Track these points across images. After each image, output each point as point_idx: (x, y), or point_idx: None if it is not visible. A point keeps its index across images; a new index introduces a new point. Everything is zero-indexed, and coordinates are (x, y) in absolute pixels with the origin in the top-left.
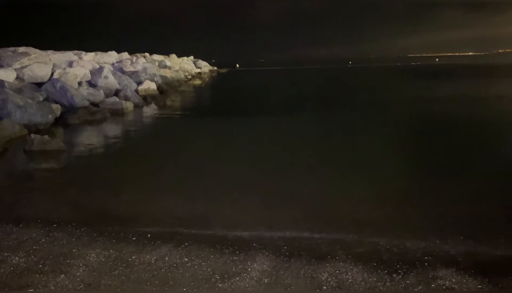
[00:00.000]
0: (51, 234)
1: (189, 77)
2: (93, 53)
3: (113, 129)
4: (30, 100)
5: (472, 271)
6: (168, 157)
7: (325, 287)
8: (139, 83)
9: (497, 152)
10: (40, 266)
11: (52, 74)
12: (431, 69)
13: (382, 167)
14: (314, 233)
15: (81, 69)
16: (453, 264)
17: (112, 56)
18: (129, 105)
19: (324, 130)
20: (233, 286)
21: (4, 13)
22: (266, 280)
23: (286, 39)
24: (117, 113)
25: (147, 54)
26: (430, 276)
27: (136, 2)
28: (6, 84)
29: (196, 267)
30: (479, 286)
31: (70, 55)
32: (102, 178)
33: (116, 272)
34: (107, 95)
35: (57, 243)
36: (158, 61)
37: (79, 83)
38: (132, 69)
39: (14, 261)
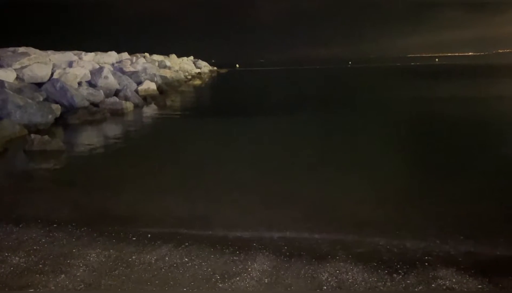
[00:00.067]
0: (51, 234)
1: (189, 77)
2: (93, 54)
3: (113, 130)
4: (30, 101)
5: (472, 271)
6: (168, 157)
7: (325, 287)
8: (139, 83)
9: (497, 152)
10: (40, 266)
11: (52, 74)
12: (431, 69)
13: (382, 167)
14: (314, 233)
15: (81, 70)
16: (453, 264)
17: (112, 56)
18: (129, 106)
19: (324, 130)
20: (233, 286)
21: (4, 13)
22: (266, 280)
23: (286, 39)
24: (117, 114)
25: (147, 54)
26: (431, 276)
27: (136, 2)
28: (6, 85)
29: (196, 267)
30: (479, 286)
31: (70, 55)
32: (102, 178)
33: (116, 272)
34: (107, 96)
35: (57, 243)
36: (158, 61)
37: (79, 84)
38: (132, 69)
39: (14, 261)
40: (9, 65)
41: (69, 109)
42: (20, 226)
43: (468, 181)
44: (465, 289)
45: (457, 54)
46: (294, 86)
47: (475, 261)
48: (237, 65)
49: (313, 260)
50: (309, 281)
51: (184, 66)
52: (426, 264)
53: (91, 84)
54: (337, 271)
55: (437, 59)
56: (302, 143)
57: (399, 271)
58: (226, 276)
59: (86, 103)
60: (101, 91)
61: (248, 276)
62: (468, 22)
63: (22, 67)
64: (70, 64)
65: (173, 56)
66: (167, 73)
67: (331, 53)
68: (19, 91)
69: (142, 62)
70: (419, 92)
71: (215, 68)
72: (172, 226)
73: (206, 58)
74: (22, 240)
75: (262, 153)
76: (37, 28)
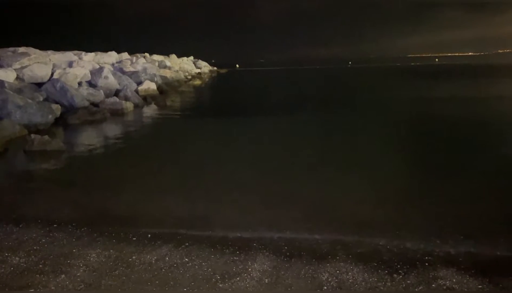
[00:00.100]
0: (51, 234)
1: (189, 77)
2: (93, 54)
3: (113, 130)
4: (30, 101)
5: (473, 271)
6: (168, 157)
7: (325, 287)
8: (139, 83)
9: (497, 152)
10: (40, 266)
11: (52, 74)
12: (431, 69)
13: (382, 167)
14: (315, 233)
15: (81, 70)
16: (454, 264)
17: (112, 56)
18: (129, 106)
19: (324, 130)
20: (233, 286)
21: (4, 13)
22: (266, 280)
23: (286, 39)
24: (117, 114)
25: (147, 54)
26: (431, 276)
27: (136, 2)
28: (6, 85)
29: (196, 267)
30: (480, 286)
31: (70, 55)
32: (102, 178)
33: (116, 272)
34: (107, 96)
35: (57, 243)
36: (158, 61)
37: (79, 84)
38: (132, 69)
39: (14, 261)
40: (9, 65)
41: (69, 109)
42: (20, 226)
43: (468, 181)
44: (466, 289)
45: (457, 54)
46: (294, 86)
47: (475, 261)
48: (237, 65)
49: (313, 260)
50: (309, 281)
51: (184, 66)
52: (427, 264)
53: (91, 84)
54: (338, 271)
55: (437, 59)
56: (302, 144)
57: (400, 271)
58: (226, 276)
59: (86, 103)
60: (101, 91)
61: (249, 276)
62: (468, 22)
63: (22, 67)
64: (70, 64)
65: (173, 56)
66: (167, 73)
67: (331, 53)
68: (19, 91)
69: (142, 62)
70: (419, 92)
71: (215, 68)
72: (172, 226)
73: (206, 58)
74: (22, 240)
75: (262, 153)
76: (37, 28)
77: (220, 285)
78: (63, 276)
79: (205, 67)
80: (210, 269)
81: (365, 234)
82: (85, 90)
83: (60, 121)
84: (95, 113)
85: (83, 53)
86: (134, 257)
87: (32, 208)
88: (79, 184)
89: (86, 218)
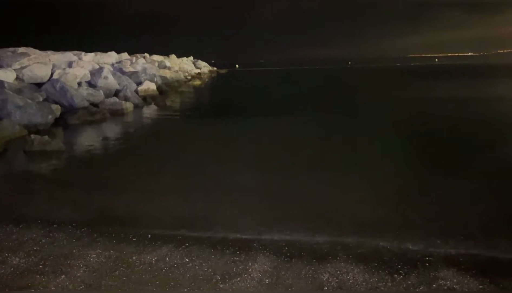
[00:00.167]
0: (51, 235)
1: (189, 77)
2: (92, 54)
3: (113, 130)
4: (30, 101)
5: (473, 271)
6: (168, 157)
7: (326, 288)
8: (139, 83)
9: (497, 152)
10: (40, 266)
11: (51, 74)
12: (431, 69)
13: (382, 167)
14: (315, 233)
15: (80, 70)
16: (454, 264)
17: (111, 56)
18: (129, 106)
19: (324, 130)
20: (234, 287)
21: (4, 13)
22: (267, 280)
23: (286, 39)
24: (117, 114)
25: (146, 54)
26: (431, 277)
27: (136, 2)
28: (6, 85)
29: (197, 267)
30: (481, 287)
31: (69, 55)
32: (102, 178)
33: (116, 272)
34: (106, 96)
35: (57, 244)
36: (158, 61)
37: (79, 84)
38: (131, 69)
39: (14, 262)
40: (8, 66)
41: (69, 109)
42: (20, 226)
43: (468, 181)
44: (466, 290)
45: (456, 54)
46: (293, 86)
47: (476, 261)
48: (237, 66)
49: (314, 260)
50: (310, 282)
51: (184, 67)
52: (427, 264)
53: (91, 84)
54: (338, 272)
55: (436, 60)
56: (302, 143)
57: (400, 271)
58: (226, 276)
59: (86, 104)
60: (101, 91)
61: (249, 277)
62: (468, 22)
63: (22, 68)
64: (69, 65)
65: (173, 56)
66: (167, 74)
67: (331, 53)
68: (19, 91)
69: (142, 63)
70: (419, 93)
71: (215, 68)
72: (173, 227)
73: (205, 59)
74: (22, 240)
75: (262, 153)
76: (37, 28)
77: (221, 286)
78: (63, 276)
79: (204, 67)
80: (210, 270)
81: (365, 234)
82: (84, 90)
83: (60, 121)
84: (95, 114)
85: (83, 53)
86: (134, 258)
87: (32, 208)
88: (79, 184)
89: (86, 219)
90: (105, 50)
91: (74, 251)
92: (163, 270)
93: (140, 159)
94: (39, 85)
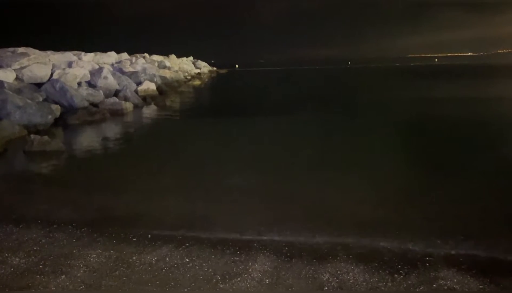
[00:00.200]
0: (51, 235)
1: (189, 77)
2: (92, 54)
3: (112, 130)
4: (29, 101)
5: (474, 271)
6: (168, 157)
7: (326, 288)
8: (139, 83)
9: (497, 152)
10: (40, 266)
11: (51, 74)
12: (431, 69)
13: (382, 167)
14: (315, 233)
15: (80, 70)
16: (454, 264)
17: (111, 56)
18: (128, 106)
19: (324, 130)
20: (234, 287)
21: (4, 13)
22: (267, 280)
23: (286, 39)
24: (116, 114)
25: (146, 54)
26: (432, 277)
27: (136, 2)
28: (5, 85)
29: (197, 267)
30: (481, 287)
31: (69, 55)
32: (102, 178)
33: (117, 272)
34: (106, 96)
35: (57, 244)
36: (158, 61)
37: (79, 84)
38: (131, 69)
39: (14, 262)
40: (8, 66)
41: (68, 109)
42: (20, 226)
43: (468, 181)
44: (467, 290)
45: (456, 54)
46: (293, 87)
47: (476, 261)
48: (237, 66)
49: (314, 260)
50: (310, 282)
51: (184, 67)
52: (427, 264)
53: (90, 84)
54: (338, 272)
55: (436, 60)
56: (302, 143)
57: (400, 271)
58: (227, 276)
59: (86, 104)
60: (101, 91)
61: (249, 277)
62: (467, 22)
63: (22, 68)
64: (69, 65)
65: (173, 56)
66: (167, 74)
67: (331, 53)
68: (18, 91)
69: (142, 63)
70: (418, 93)
71: (215, 68)
72: (173, 227)
73: (205, 59)
74: (22, 240)
75: (262, 153)
76: (37, 28)
77: (221, 286)
78: (63, 276)
79: (204, 67)
80: (210, 270)
81: (365, 234)
82: (84, 90)
83: (59, 121)
84: (94, 114)
85: (83, 53)
86: (134, 258)
87: (32, 208)
88: (79, 184)
89: (86, 219)
90: (104, 50)
91: (74, 251)
92: (163, 270)
93: (140, 159)
94: (39, 85)
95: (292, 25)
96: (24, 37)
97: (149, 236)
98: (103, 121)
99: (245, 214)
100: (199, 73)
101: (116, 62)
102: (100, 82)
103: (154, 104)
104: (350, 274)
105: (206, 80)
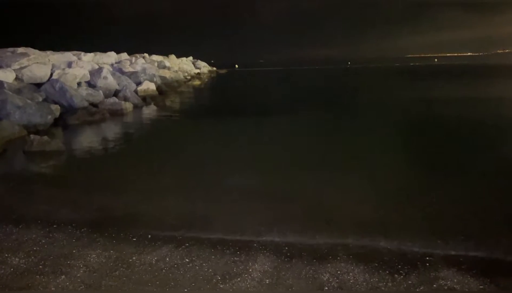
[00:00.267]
0: (51, 235)
1: (188, 77)
2: (92, 54)
3: (112, 130)
4: (29, 101)
5: (474, 271)
6: (168, 157)
7: (326, 288)
8: (138, 83)
9: (497, 152)
10: (40, 267)
11: (51, 74)
12: (430, 69)
13: (382, 167)
14: (315, 233)
15: (80, 70)
16: (455, 264)
17: (111, 56)
18: (128, 106)
19: (324, 131)
20: (234, 287)
21: (4, 13)
22: (267, 280)
23: (286, 39)
24: (116, 114)
25: (146, 54)
26: (432, 277)
27: (136, 2)
28: (5, 85)
29: (197, 267)
30: (481, 287)
31: (69, 55)
32: (102, 179)
33: (117, 272)
34: (106, 96)
35: (57, 244)
36: (157, 61)
37: (78, 84)
38: (131, 69)
39: (14, 262)
40: (8, 66)
41: (68, 109)
42: (20, 226)
43: (468, 181)
44: (467, 290)
45: (456, 54)
46: (293, 87)
47: (476, 261)
48: (236, 66)
49: (314, 260)
50: (310, 282)
51: (184, 67)
52: (427, 264)
53: (90, 84)
54: (338, 272)
55: (436, 60)
56: (302, 143)
57: (401, 271)
58: (227, 276)
59: (86, 104)
60: (101, 91)
61: (249, 277)
62: (467, 22)
63: (21, 68)
64: (69, 65)
65: (173, 56)
66: (167, 74)
67: (331, 53)
68: (18, 91)
69: (141, 63)
70: (418, 93)
71: (214, 68)
72: (173, 227)
73: (205, 59)
74: (22, 240)
75: (262, 153)
76: (37, 28)
77: (221, 286)
78: (63, 276)
79: (204, 67)
80: (210, 270)
81: (365, 234)
82: (84, 90)
83: (59, 121)
84: (94, 114)
85: (82, 53)
86: (134, 258)
87: (31, 208)
88: (78, 184)
89: (86, 219)
90: (104, 50)
91: (74, 251)
92: (163, 270)
93: (140, 159)
94: (38, 85)
95: (292, 25)
96: (24, 37)
97: (149, 236)
98: (102, 122)
99: (245, 214)
100: (198, 73)
101: (115, 62)
102: (99, 83)
103: (154, 104)
104: (350, 274)
105: (206, 80)
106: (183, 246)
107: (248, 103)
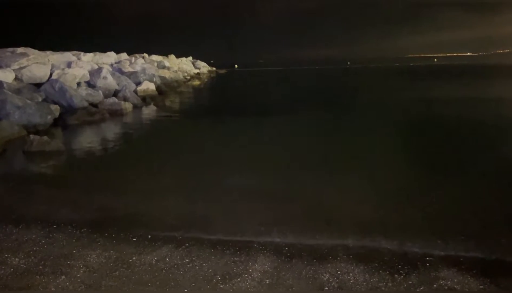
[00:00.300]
0: (51, 235)
1: (188, 78)
2: (91, 54)
3: (112, 130)
4: (29, 101)
5: (474, 271)
6: (168, 157)
7: (326, 288)
8: (138, 84)
9: (497, 152)
10: (40, 267)
11: (51, 75)
12: (430, 69)
13: (382, 166)
14: (315, 233)
15: (80, 70)
16: (455, 264)
17: (110, 56)
18: (128, 106)
19: (324, 131)
20: (234, 287)
21: (4, 13)
22: (267, 280)
23: (286, 39)
24: (116, 114)
25: (146, 54)
26: (432, 277)
27: (136, 2)
28: (5, 85)
29: (197, 268)
30: (481, 287)
31: (68, 55)
32: (102, 179)
33: (117, 273)
34: (106, 96)
35: (57, 244)
36: (157, 61)
37: (78, 84)
38: (131, 69)
39: (14, 262)
40: (7, 66)
41: (68, 110)
42: (20, 227)
43: (468, 181)
44: (467, 290)
45: (456, 54)
46: (293, 87)
47: (477, 261)
48: (236, 66)
49: (314, 260)
50: (310, 282)
51: (183, 67)
52: (427, 264)
53: (90, 84)
54: (339, 272)
55: (435, 60)
56: (302, 143)
57: (401, 271)
58: (227, 277)
59: (85, 104)
60: (100, 91)
61: (249, 277)
62: (467, 22)
63: (21, 68)
64: (69, 65)
65: (172, 56)
66: (166, 74)
67: (331, 53)
68: (18, 91)
69: (141, 63)
70: (418, 93)
71: (214, 68)
72: (173, 227)
73: (205, 59)
74: (22, 241)
75: (262, 153)
76: (37, 28)
77: (221, 286)
78: (63, 277)
79: (204, 67)
80: (210, 270)
81: (365, 234)
82: (84, 90)
83: (59, 122)
84: (94, 114)
85: (82, 53)
86: (134, 258)
87: (31, 208)
88: (78, 184)
89: (86, 219)
90: (104, 50)
91: (74, 251)
92: (163, 271)
93: (139, 159)
94: (38, 85)
95: (292, 25)
96: (24, 37)
97: (149, 236)
98: (102, 122)
99: (245, 214)
100: (198, 73)
101: (115, 62)
102: (99, 83)
103: (154, 104)
104: (351, 274)
105: (206, 80)
106: (183, 246)
107: (248, 103)
